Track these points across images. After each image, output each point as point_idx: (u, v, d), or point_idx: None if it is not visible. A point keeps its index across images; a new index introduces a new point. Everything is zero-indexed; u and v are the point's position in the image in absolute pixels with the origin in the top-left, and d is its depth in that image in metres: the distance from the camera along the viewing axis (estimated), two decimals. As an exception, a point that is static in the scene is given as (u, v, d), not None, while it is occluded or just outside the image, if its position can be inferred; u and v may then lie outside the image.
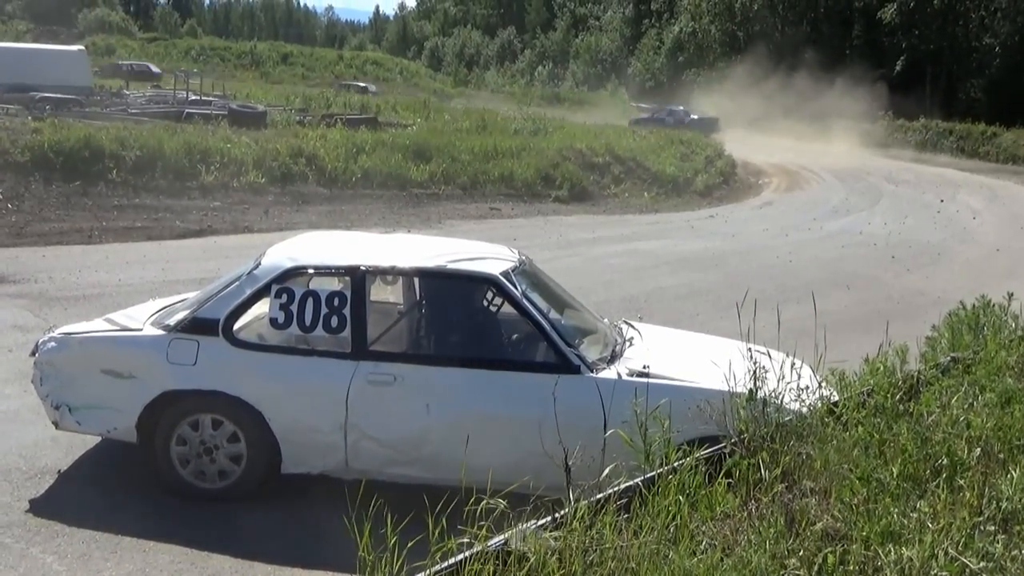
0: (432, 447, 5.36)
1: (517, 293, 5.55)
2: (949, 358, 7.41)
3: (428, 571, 3.52)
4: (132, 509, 5.31)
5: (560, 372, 5.27)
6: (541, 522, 4.22)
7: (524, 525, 3.99)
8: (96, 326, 5.92)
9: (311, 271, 5.70)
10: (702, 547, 3.97)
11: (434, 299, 6.11)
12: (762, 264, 14.72)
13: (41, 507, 5.28)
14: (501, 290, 5.62)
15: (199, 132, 19.43)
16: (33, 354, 5.77)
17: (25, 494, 5.43)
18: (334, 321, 5.45)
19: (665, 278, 13.35)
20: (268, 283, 5.55)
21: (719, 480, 4.69)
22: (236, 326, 5.56)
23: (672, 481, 4.51)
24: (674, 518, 4.20)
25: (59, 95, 26.50)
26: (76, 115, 22.74)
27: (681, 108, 48.34)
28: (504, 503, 3.92)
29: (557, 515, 4.25)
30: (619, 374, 5.39)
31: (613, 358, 5.61)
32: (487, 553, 3.69)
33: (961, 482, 4.78)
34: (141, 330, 5.72)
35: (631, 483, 4.61)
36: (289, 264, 5.66)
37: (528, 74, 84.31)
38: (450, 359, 5.53)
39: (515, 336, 5.70)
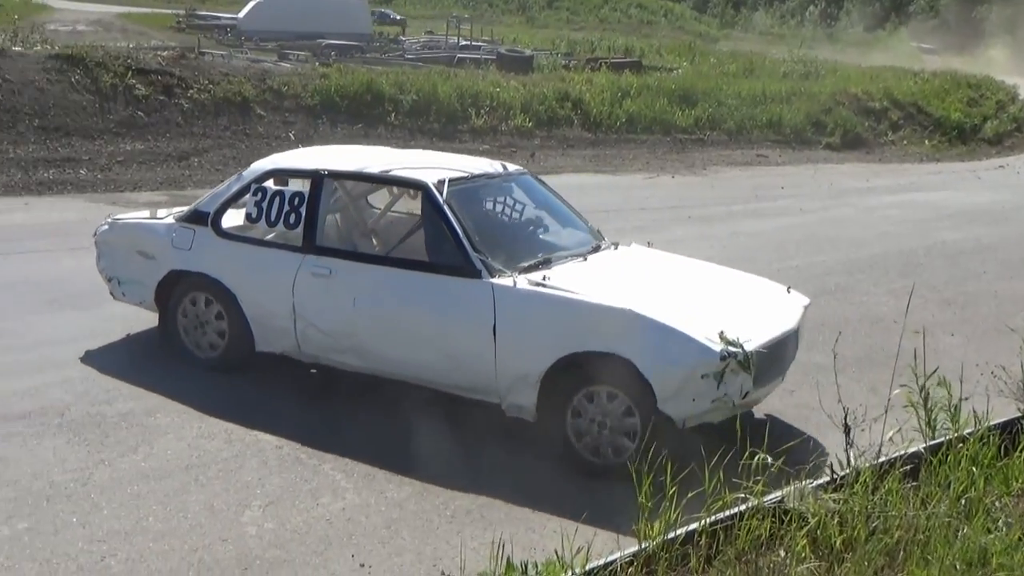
0: (359, 338, 5.82)
1: (440, 200, 5.73)
2: None
3: (704, 522, 3.50)
4: (421, 441, 5.56)
5: (464, 276, 5.51)
6: (819, 482, 4.08)
7: (802, 484, 3.87)
8: (138, 214, 7.15)
9: (283, 173, 6.35)
10: (998, 524, 3.70)
11: (366, 201, 6.87)
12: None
13: (329, 426, 5.66)
14: (427, 196, 5.82)
15: (470, 76, 19.95)
16: (94, 235, 6.90)
17: (315, 411, 5.85)
18: (292, 218, 6.10)
19: (947, 232, 12.46)
20: (249, 182, 6.32)
21: (1017, 454, 4.36)
22: (223, 219, 6.38)
23: (962, 451, 4.23)
24: (966, 491, 3.94)
25: (342, 42, 27.99)
26: (358, 61, 23.94)
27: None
28: (779, 462, 3.81)
29: (836, 476, 4.10)
30: (515, 282, 5.44)
31: (532, 268, 5.61)
32: (764, 509, 3.61)
33: None
34: (163, 219, 6.69)
35: (916, 449, 4.37)
36: (269, 166, 6.45)
37: (799, 14, 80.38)
38: (375, 257, 6.04)
39: (436, 240, 5.84)
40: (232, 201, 6.42)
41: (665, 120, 19.89)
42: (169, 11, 43.66)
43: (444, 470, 5.17)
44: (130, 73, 15.48)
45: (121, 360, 6.41)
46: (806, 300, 6.12)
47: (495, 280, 5.45)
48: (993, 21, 59.55)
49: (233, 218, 6.49)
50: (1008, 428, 4.63)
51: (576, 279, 5.52)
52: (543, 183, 6.85)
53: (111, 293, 6.85)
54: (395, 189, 6.59)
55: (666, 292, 5.64)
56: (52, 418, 5.53)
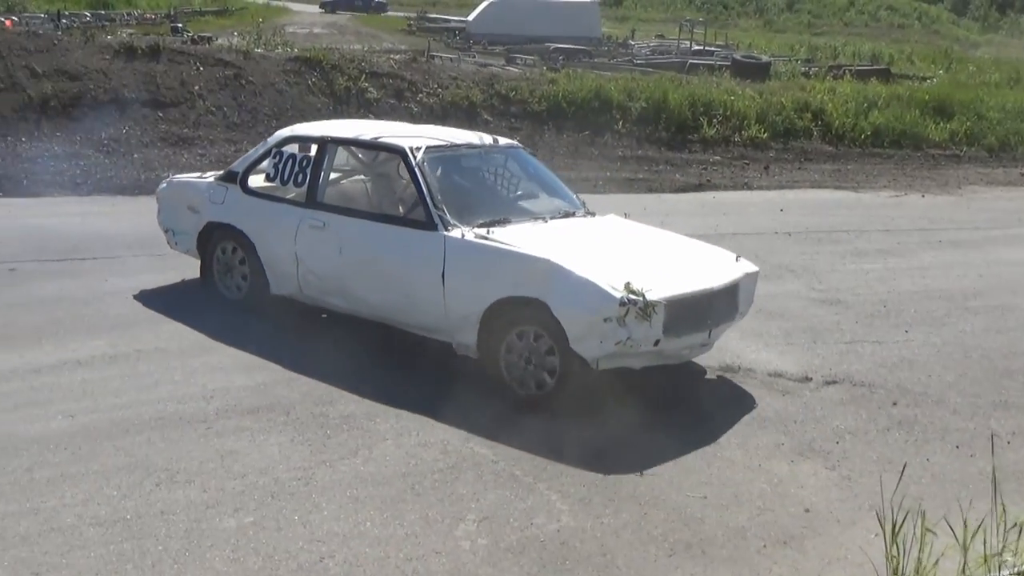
0: (343, 281, 7.01)
1: (413, 163, 6.81)
2: None
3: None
4: (641, 465, 5.52)
5: (423, 228, 6.56)
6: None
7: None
8: (190, 175, 8.75)
9: (298, 140, 7.58)
10: None
11: (363, 165, 7.93)
12: None
13: (544, 444, 5.69)
14: (404, 159, 6.93)
15: (703, 84, 19.72)
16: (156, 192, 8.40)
17: (534, 427, 5.90)
18: (299, 177, 7.37)
19: None
20: (271, 147, 7.66)
21: None
22: (249, 178, 7.69)
23: None
24: None
25: (571, 46, 28.32)
26: (585, 65, 24.17)
27: None
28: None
29: None
30: (463, 234, 6.42)
31: (488, 226, 6.50)
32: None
33: None
34: (207, 178, 8.10)
35: None
36: (287, 133, 7.81)
37: (1076, 18, 74.69)
38: (358, 212, 7.12)
39: (406, 198, 7.10)
40: (257, 163, 7.74)
41: (916, 134, 18.97)
42: (400, 14, 45.60)
43: (663, 500, 5.10)
44: (363, 76, 16.28)
45: (343, 364, 6.69)
46: (753, 268, 6.86)
47: (447, 233, 6.46)
48: None
49: (260, 178, 7.77)
50: None
51: (520, 236, 6.43)
52: (535, 158, 8.10)
53: (168, 243, 8.27)
54: (383, 153, 7.57)
55: (598, 250, 6.49)
56: (278, 415, 5.85)
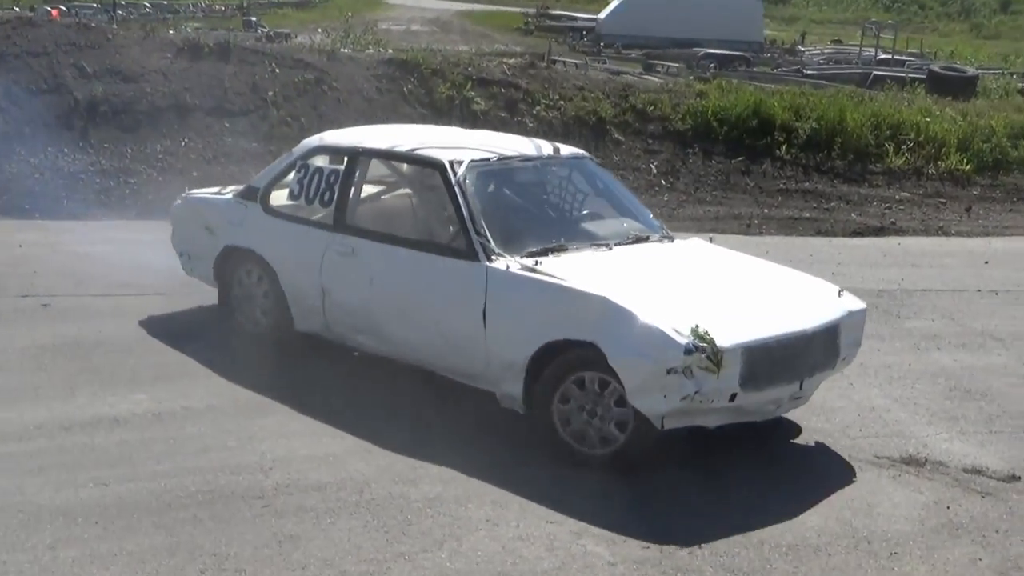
0: (375, 318, 7.21)
1: (452, 180, 6.93)
2: None
3: None
4: None
5: (463, 257, 6.72)
6: None
7: None
8: (207, 190, 8.97)
9: (327, 150, 7.81)
10: None
11: (400, 181, 8.12)
12: None
13: (677, 536, 5.62)
14: (442, 176, 7.04)
15: (890, 101, 19.48)
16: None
17: (663, 520, 5.83)
18: (326, 195, 7.55)
19: None
20: (296, 159, 7.90)
21: None
22: (272, 194, 7.94)
23: None
24: None
25: (725, 51, 28.33)
26: (743, 75, 24.13)
27: None
28: None
29: None
30: (507, 266, 6.56)
31: (540, 254, 6.68)
32: None
33: None
34: (226, 194, 8.38)
35: None
36: (316, 143, 7.99)
37: None
38: (390, 237, 7.23)
39: (443, 221, 7.15)
40: (280, 178, 8.01)
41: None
42: (517, 9, 46.36)
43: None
44: (470, 84, 16.55)
45: (430, 433, 6.74)
46: (859, 305, 6.97)
47: (490, 264, 6.60)
48: None
49: (283, 194, 8.03)
50: None
51: (576, 267, 6.56)
52: (603, 170, 8.32)
53: (183, 268, 8.71)
54: (420, 168, 7.64)
55: (669, 284, 6.62)
56: (349, 494, 5.90)
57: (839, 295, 6.91)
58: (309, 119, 15.35)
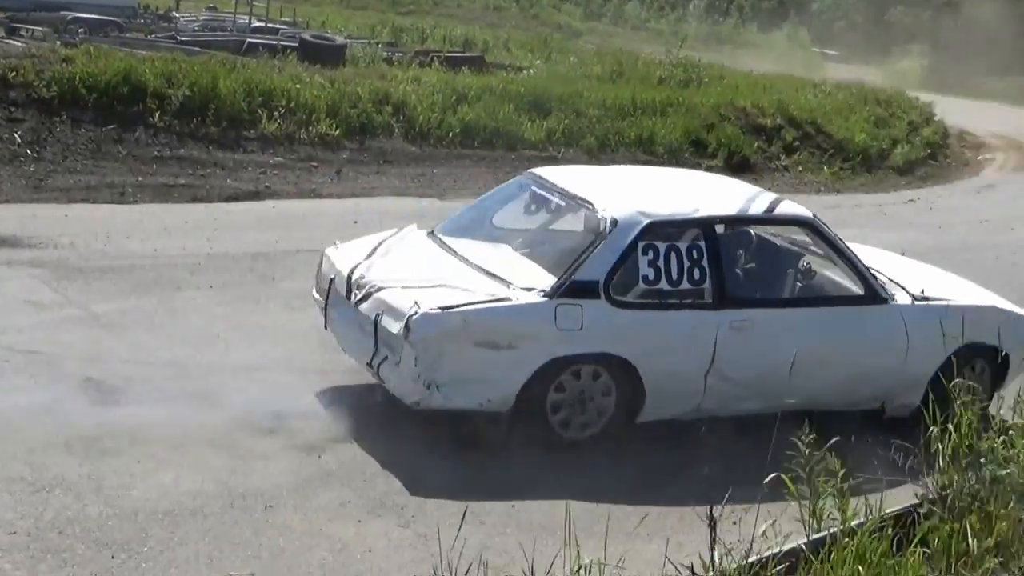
0: (773, 380, 7.44)
1: (830, 233, 7.96)
2: None
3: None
4: None
5: (875, 303, 7.89)
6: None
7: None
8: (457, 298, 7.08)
9: (664, 225, 7.47)
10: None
11: (761, 244, 8.50)
12: (976, 266, 14.19)
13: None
14: (816, 231, 8.02)
15: (262, 68, 19.77)
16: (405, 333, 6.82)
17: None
18: (696, 273, 7.34)
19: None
20: (633, 240, 7.27)
21: (911, 549, 4.58)
22: (613, 286, 7.19)
23: (849, 546, 4.42)
24: (851, 595, 4.13)
25: (96, 16, 27.37)
26: (114, 41, 23.44)
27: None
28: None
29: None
30: (912, 299, 8.09)
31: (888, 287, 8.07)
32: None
33: None
34: (506, 299, 7.10)
35: (793, 546, 4.54)
36: (644, 220, 7.37)
37: (681, 7, 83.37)
38: (786, 300, 8.02)
39: (839, 274, 8.09)
40: (620, 265, 7.24)
41: (511, 132, 20.15)
42: None
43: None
44: None
45: None
46: None
47: (895, 302, 7.97)
48: (908, 25, 63.26)
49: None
50: (903, 519, 4.86)
51: (944, 292, 8.39)
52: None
53: (421, 403, 6.94)
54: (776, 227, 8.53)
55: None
56: None
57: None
58: None
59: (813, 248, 8.28)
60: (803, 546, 4.51)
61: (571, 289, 7.09)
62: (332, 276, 7.81)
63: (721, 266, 7.44)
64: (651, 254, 7.25)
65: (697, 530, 4.93)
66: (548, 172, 8.62)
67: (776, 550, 4.43)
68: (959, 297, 8.39)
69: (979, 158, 28.60)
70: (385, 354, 7.02)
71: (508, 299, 7.06)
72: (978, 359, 8.18)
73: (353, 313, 7.38)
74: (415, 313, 6.78)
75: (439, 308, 6.85)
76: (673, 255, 7.28)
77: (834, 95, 29.32)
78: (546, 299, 7.04)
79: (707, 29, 67.64)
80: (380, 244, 8.13)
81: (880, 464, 5.73)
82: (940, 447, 5.51)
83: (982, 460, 5.24)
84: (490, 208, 8.68)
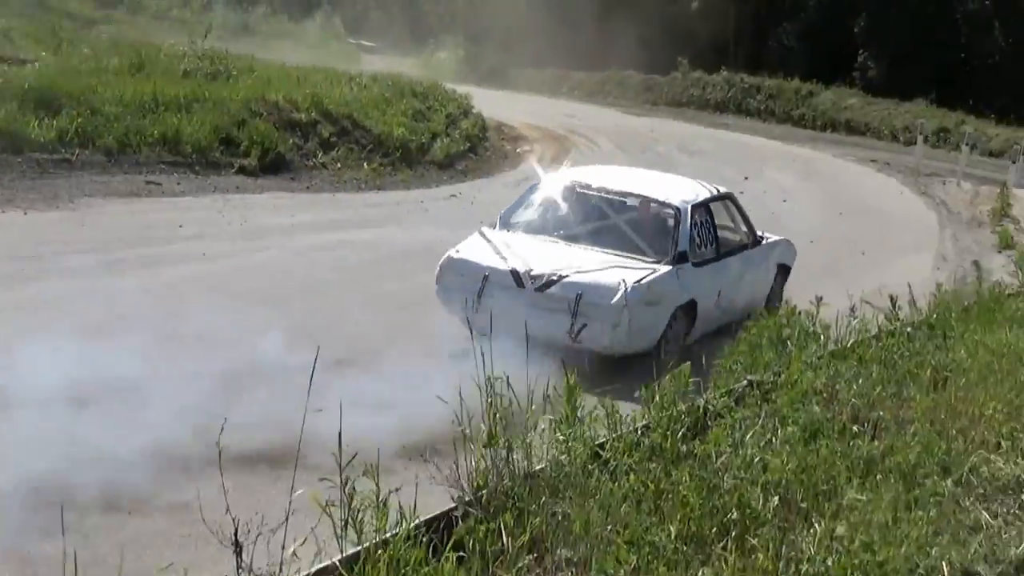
0: (728, 303, 12.25)
1: (738, 202, 13.58)
2: (745, 382, 7.89)
3: None
4: None
5: (755, 246, 13.13)
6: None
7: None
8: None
9: (698, 208, 12.07)
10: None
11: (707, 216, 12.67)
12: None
13: None
14: (734, 201, 13.37)
15: None
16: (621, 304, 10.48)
17: None
18: (710, 238, 11.99)
19: (389, 281, 13.45)
20: (692, 220, 11.60)
21: (446, 554, 4.76)
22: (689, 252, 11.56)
23: (382, 557, 4.54)
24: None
25: None
26: None
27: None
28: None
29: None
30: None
31: None
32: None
33: (754, 541, 5.09)
34: (647, 271, 10.92)
35: (327, 563, 4.60)
36: (690, 205, 11.76)
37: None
38: (736, 249, 12.96)
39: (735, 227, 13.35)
40: (688, 237, 11.39)
41: (15, 133, 19.09)
42: None
43: None
44: None
45: None
46: None
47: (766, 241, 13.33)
48: (442, 16, 65.85)
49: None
50: (436, 523, 5.05)
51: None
52: None
53: (616, 352, 10.52)
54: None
55: None
56: None
57: None
58: None
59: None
60: (337, 562, 4.58)
61: (677, 258, 11.13)
62: (485, 273, 10.67)
63: (716, 232, 12.01)
64: (696, 228, 11.48)
65: (221, 558, 4.88)
66: (587, 177, 12.78)
67: (308, 571, 4.48)
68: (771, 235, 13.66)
69: (518, 151, 30.22)
70: (583, 322, 10.26)
71: (655, 271, 10.81)
72: (779, 274, 13.51)
73: (534, 297, 10.39)
74: (626, 288, 10.40)
75: (635, 282, 10.53)
76: (703, 227, 11.68)
77: (371, 88, 30.03)
78: (671, 267, 11.00)
79: (236, 18, 67.17)
80: (492, 244, 11.41)
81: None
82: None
83: (513, 456, 5.54)
84: (542, 211, 12.33)
